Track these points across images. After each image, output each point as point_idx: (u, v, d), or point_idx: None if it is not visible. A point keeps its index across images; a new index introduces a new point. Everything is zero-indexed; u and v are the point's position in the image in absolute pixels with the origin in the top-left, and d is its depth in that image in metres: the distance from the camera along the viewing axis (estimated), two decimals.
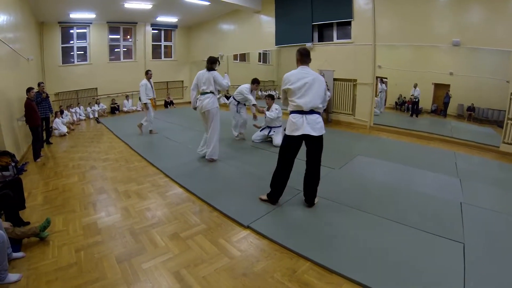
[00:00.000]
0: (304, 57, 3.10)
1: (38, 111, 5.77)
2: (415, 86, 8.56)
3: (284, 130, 3.29)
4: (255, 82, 6.16)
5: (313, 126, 2.96)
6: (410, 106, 7.95)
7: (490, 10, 5.85)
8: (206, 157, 4.97)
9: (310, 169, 3.16)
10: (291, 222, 2.99)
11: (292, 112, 3.05)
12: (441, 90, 7.48)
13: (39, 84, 6.57)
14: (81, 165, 5.12)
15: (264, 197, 3.38)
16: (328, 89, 8.47)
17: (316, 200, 3.29)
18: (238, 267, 2.33)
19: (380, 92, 8.27)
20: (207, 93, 4.71)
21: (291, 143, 3.08)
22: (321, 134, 3.01)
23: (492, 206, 3.35)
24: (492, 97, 7.68)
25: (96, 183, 4.21)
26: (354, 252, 2.48)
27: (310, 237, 2.72)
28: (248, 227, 2.91)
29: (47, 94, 6.68)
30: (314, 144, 3.06)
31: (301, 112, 2.98)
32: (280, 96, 3.30)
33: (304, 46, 3.22)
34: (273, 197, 3.29)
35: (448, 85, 7.34)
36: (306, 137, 3.01)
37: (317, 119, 3.01)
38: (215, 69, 4.74)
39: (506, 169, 4.95)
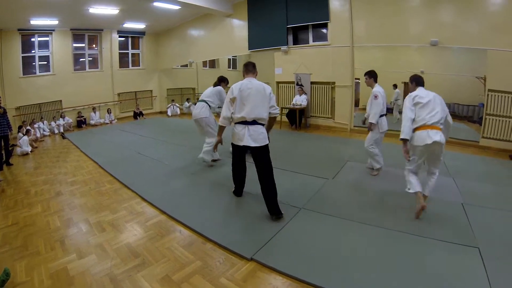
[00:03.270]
0: (249, 68, 3.32)
1: None
2: (395, 86, 8.58)
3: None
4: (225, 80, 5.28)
5: (255, 137, 3.06)
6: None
7: (464, 8, 5.92)
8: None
9: (263, 181, 3.14)
10: (299, 247, 2.62)
11: (236, 123, 3.19)
12: None
13: None
14: (45, 191, 4.49)
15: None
16: (305, 93, 8.39)
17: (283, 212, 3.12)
18: None
19: None
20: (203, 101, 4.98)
21: (236, 151, 3.36)
22: (264, 145, 3.11)
23: (493, 204, 3.35)
24: (461, 93, 7.85)
25: (63, 214, 3.63)
26: (373, 274, 2.24)
27: (323, 262, 2.40)
28: (252, 260, 2.48)
29: (4, 110, 5.94)
30: (259, 154, 3.13)
31: (244, 123, 3.10)
32: (223, 108, 3.31)
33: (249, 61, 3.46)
34: (237, 191, 3.72)
35: None
36: (249, 147, 3.10)
37: (260, 129, 3.11)
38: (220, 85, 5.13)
39: (491, 163, 5.10)
